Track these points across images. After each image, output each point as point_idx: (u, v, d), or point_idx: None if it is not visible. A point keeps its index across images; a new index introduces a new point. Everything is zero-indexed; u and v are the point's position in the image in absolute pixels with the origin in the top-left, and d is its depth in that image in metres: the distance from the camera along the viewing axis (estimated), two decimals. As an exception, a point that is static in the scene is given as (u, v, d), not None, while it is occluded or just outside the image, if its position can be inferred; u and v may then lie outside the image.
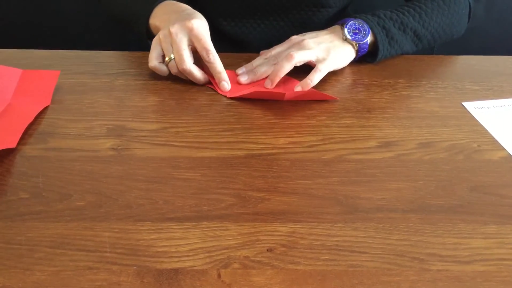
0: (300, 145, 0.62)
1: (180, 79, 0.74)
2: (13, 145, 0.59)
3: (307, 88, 0.71)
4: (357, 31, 0.77)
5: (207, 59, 0.71)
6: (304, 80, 0.71)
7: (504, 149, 0.62)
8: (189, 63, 0.71)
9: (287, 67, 0.71)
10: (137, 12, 0.80)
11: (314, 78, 0.71)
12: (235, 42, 0.91)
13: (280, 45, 0.77)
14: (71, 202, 0.52)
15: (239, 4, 0.87)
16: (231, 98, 0.71)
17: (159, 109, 0.68)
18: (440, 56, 0.87)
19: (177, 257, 0.46)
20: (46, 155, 0.59)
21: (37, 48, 0.82)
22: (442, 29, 0.83)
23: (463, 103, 0.72)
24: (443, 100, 0.73)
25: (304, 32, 0.80)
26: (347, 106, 0.70)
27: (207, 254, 0.46)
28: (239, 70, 0.76)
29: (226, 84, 0.72)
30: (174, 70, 0.72)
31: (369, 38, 0.77)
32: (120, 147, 0.60)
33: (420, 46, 0.83)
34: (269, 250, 0.47)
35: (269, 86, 0.72)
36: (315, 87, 0.72)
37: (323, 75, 0.73)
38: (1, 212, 0.50)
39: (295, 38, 0.77)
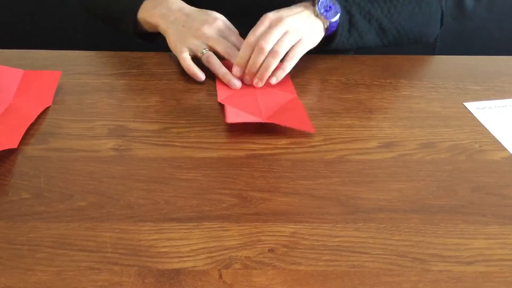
0: (301, 145, 0.62)
1: (180, 79, 0.74)
2: (15, 146, 0.59)
3: (281, 78, 0.72)
4: (328, 8, 0.76)
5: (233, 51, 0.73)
6: (277, 70, 0.72)
7: (505, 149, 0.62)
8: (233, 49, 0.74)
9: (274, 64, 0.71)
10: (123, 7, 0.80)
11: (287, 67, 0.72)
12: None
13: (258, 26, 0.73)
14: (72, 202, 0.52)
15: (233, 3, 0.87)
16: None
17: (160, 110, 0.68)
18: (442, 56, 0.87)
19: (178, 257, 0.46)
20: (47, 156, 0.59)
21: (39, 48, 0.82)
22: (410, 27, 0.82)
23: (465, 104, 0.72)
24: (445, 101, 0.72)
25: None
26: (349, 106, 0.70)
27: (208, 255, 0.46)
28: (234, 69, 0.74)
29: (236, 81, 0.72)
30: (211, 60, 0.73)
31: (338, 17, 0.76)
32: (121, 148, 0.60)
33: (386, 41, 0.82)
34: (271, 250, 0.47)
35: (259, 84, 0.72)
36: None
37: (296, 61, 0.73)
38: (2, 212, 0.50)
39: (272, 16, 0.73)
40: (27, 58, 0.79)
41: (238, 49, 0.73)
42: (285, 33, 0.71)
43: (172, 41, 0.76)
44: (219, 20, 0.76)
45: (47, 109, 0.67)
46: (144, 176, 0.56)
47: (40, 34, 1.18)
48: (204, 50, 0.74)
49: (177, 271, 0.45)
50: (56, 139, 0.62)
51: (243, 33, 0.89)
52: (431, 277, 0.45)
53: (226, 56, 0.74)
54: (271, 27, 0.72)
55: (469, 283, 0.44)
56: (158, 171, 0.57)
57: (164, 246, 0.47)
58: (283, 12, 0.74)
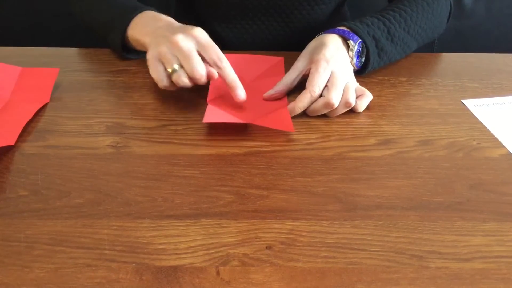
0: (299, 142, 0.62)
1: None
2: (12, 143, 0.59)
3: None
4: (359, 54, 0.72)
5: (220, 65, 0.64)
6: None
7: (503, 146, 0.62)
8: (203, 70, 0.63)
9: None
10: (112, 21, 0.75)
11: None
12: (228, 45, 0.90)
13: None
14: (70, 199, 0.52)
15: (230, 5, 0.86)
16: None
17: (158, 107, 0.68)
18: (440, 53, 0.87)
19: (176, 254, 0.46)
20: (45, 153, 0.59)
21: (37, 45, 0.82)
22: (425, 33, 0.80)
23: (463, 101, 0.72)
24: (443, 98, 0.72)
25: (298, 32, 0.77)
26: (347, 103, 0.70)
27: (206, 252, 0.46)
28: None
29: (241, 91, 0.65)
30: (180, 82, 0.64)
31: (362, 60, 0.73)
32: (119, 145, 0.60)
33: (408, 52, 0.81)
34: (268, 247, 0.47)
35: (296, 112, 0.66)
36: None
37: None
38: (0, 210, 0.50)
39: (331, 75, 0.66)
40: (26, 55, 0.79)
41: (215, 66, 0.65)
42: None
43: (148, 53, 0.67)
44: (199, 33, 0.65)
45: (44, 106, 0.67)
46: (141, 173, 0.56)
47: (38, 31, 1.18)
48: (175, 66, 0.64)
49: (175, 268, 0.45)
50: (53, 136, 0.61)
51: (240, 36, 0.89)
52: (429, 274, 0.45)
53: (191, 79, 0.64)
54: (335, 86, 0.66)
55: (466, 280, 0.44)
56: (156, 168, 0.57)
57: (162, 243, 0.47)
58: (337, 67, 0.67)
